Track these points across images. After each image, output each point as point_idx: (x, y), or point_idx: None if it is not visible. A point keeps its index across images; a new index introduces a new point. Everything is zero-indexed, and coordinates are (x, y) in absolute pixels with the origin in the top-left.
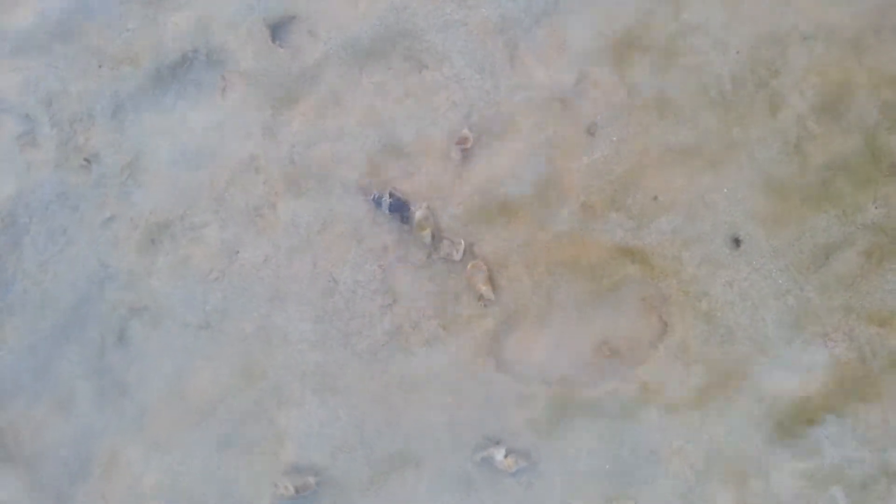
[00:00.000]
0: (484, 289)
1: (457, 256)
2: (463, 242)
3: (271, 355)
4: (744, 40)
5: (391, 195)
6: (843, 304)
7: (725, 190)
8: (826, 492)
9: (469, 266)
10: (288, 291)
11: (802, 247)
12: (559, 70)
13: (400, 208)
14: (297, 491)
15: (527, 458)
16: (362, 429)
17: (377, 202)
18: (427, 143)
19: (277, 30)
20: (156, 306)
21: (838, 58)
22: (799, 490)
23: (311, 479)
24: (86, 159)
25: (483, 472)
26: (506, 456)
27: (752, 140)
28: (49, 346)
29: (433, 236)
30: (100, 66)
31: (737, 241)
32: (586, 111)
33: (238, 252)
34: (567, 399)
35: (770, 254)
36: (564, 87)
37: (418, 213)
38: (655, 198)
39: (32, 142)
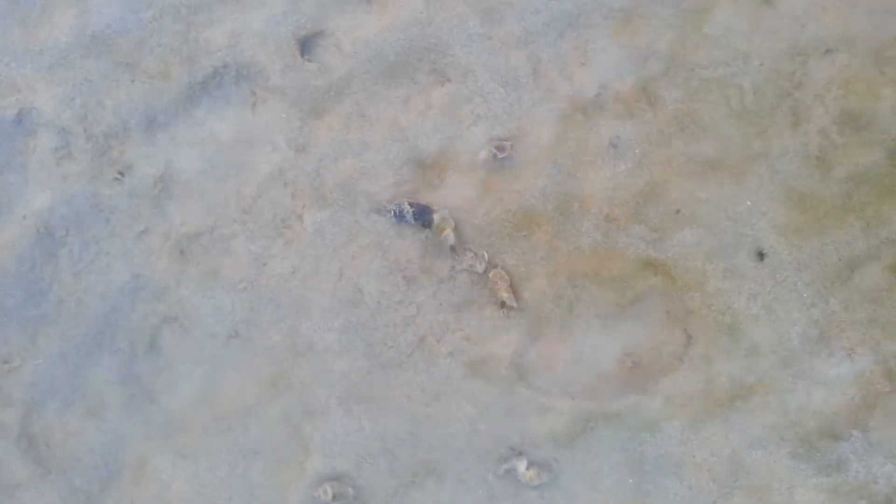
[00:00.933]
0: (506, 296)
1: (480, 268)
2: (486, 254)
3: (297, 365)
4: (766, 52)
5: (410, 204)
6: (868, 318)
7: (748, 202)
8: None
9: (491, 274)
10: (314, 302)
11: (827, 260)
12: (581, 83)
13: (423, 215)
14: (334, 497)
15: (549, 471)
16: (386, 439)
17: (399, 216)
18: (451, 157)
19: (306, 44)
20: (185, 316)
21: (861, 69)
22: None
23: (350, 489)
24: (120, 172)
25: (505, 484)
26: (528, 468)
27: (774, 152)
28: (81, 354)
29: (454, 239)
30: (132, 81)
31: (760, 254)
32: (609, 124)
33: (266, 263)
34: (590, 411)
35: (794, 267)
36: (587, 99)
37: (436, 216)
38: (678, 210)
39: (68, 155)
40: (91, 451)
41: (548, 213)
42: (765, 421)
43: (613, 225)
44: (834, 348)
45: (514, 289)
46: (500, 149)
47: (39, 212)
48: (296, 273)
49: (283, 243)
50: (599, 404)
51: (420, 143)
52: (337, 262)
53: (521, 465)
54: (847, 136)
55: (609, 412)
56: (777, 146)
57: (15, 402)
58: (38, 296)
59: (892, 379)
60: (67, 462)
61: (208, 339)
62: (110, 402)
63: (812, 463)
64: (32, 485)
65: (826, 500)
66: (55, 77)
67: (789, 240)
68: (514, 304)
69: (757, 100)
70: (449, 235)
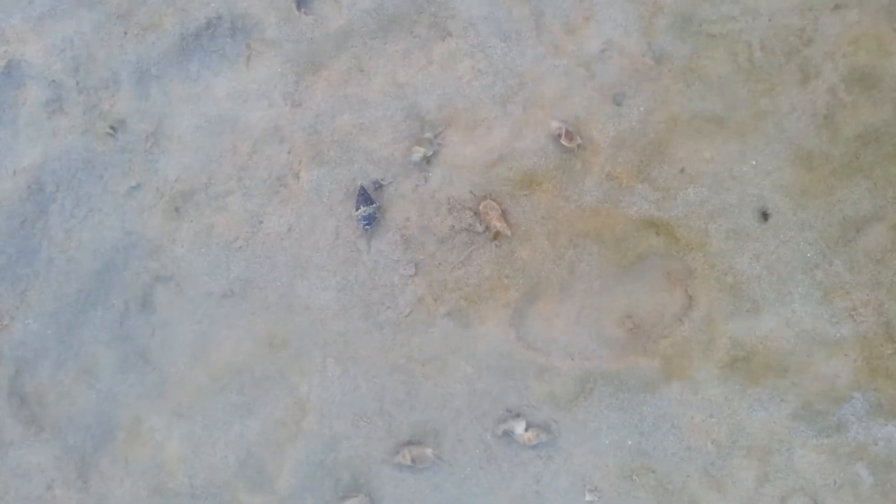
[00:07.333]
0: (499, 224)
1: (479, 228)
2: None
3: (293, 324)
4: (775, 7)
5: (357, 208)
6: (871, 279)
7: (753, 161)
8: (850, 468)
9: (482, 205)
10: (310, 260)
11: (832, 220)
12: (585, 38)
13: (366, 197)
14: (413, 461)
15: (547, 432)
16: (383, 398)
17: (367, 221)
18: (450, 113)
19: None
20: (179, 274)
21: (872, 25)
22: (822, 466)
23: (429, 452)
24: (112, 127)
25: (503, 445)
26: (526, 429)
27: (781, 110)
28: (73, 313)
29: (421, 153)
30: (125, 33)
31: (764, 214)
32: (613, 80)
33: (261, 221)
34: (589, 372)
35: (798, 227)
36: (591, 55)
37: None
38: (682, 169)
39: (59, 108)
40: (85, 411)
41: (549, 172)
42: (765, 382)
43: (616, 184)
44: (836, 309)
45: (505, 216)
46: (569, 137)
47: (30, 167)
48: (292, 231)
49: (279, 201)
50: (599, 365)
51: (420, 99)
52: (334, 220)
53: (520, 426)
54: (856, 94)
55: (608, 373)
56: (784, 104)
57: (5, 361)
58: (29, 253)
59: (895, 341)
60: (61, 421)
61: (203, 297)
62: (103, 361)
63: (812, 424)
64: (26, 444)
65: (825, 461)
66: (45, 28)
67: (794, 199)
68: (508, 232)
69: (765, 56)
70: (417, 151)
